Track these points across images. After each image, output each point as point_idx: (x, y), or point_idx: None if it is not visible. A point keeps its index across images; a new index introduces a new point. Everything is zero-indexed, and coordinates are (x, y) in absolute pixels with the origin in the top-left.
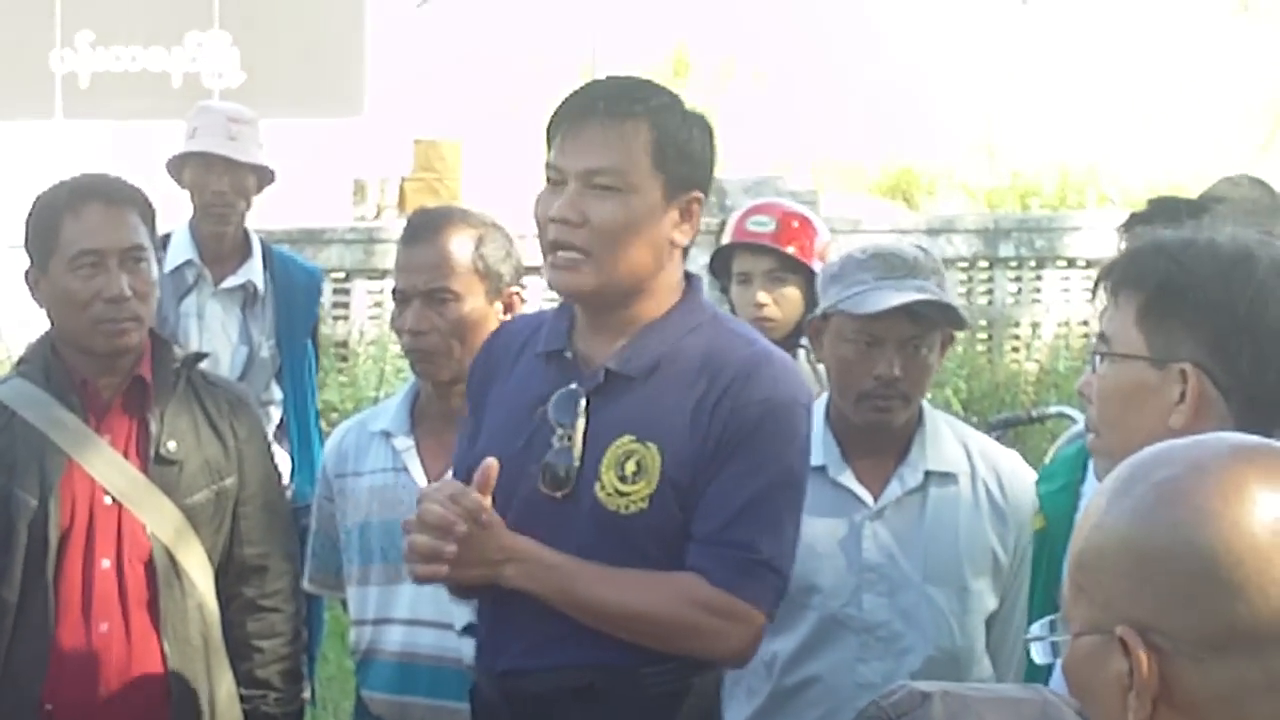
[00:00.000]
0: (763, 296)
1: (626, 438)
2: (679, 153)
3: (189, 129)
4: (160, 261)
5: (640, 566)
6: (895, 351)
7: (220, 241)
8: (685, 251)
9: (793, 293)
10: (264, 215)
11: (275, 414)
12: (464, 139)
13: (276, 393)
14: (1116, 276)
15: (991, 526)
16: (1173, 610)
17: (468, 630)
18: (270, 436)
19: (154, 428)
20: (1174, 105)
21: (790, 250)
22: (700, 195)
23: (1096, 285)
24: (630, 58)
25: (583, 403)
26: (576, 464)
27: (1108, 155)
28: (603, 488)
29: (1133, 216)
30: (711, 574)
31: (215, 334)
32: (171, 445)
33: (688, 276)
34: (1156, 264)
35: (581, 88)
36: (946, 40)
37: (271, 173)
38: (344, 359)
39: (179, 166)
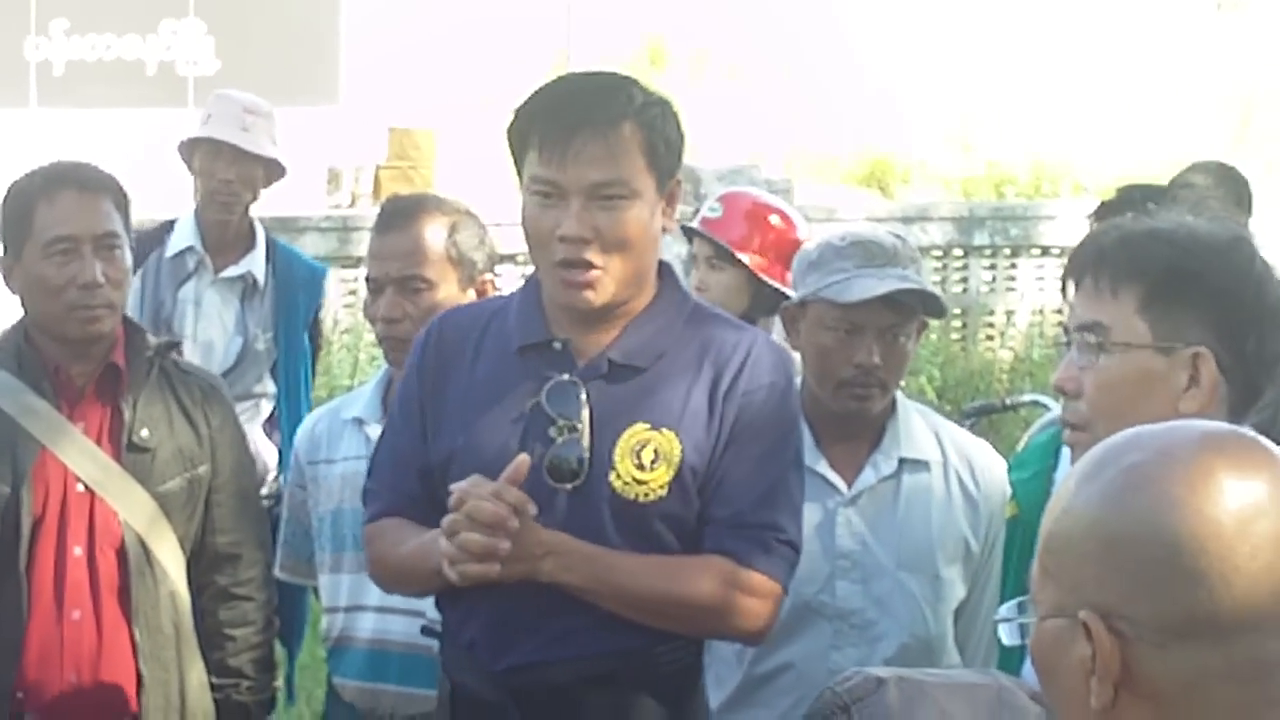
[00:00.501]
0: (700, 283)
1: (640, 425)
2: (665, 148)
3: (203, 115)
4: (163, 246)
5: (656, 553)
6: (875, 339)
7: (224, 230)
8: None
9: (732, 282)
10: None
11: (267, 407)
12: (438, 127)
13: (271, 385)
14: (1111, 266)
15: (964, 515)
16: (1136, 596)
17: (428, 632)
18: (261, 428)
19: (127, 415)
20: (1148, 95)
21: (734, 244)
22: (680, 179)
23: (1072, 276)
24: (605, 48)
25: (583, 394)
26: (587, 455)
27: (1082, 144)
28: (618, 476)
29: (1103, 205)
30: (739, 554)
31: (212, 322)
32: (144, 433)
33: (659, 263)
34: (1157, 250)
35: (551, 91)
36: (921, 29)
37: (281, 167)
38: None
39: (190, 151)
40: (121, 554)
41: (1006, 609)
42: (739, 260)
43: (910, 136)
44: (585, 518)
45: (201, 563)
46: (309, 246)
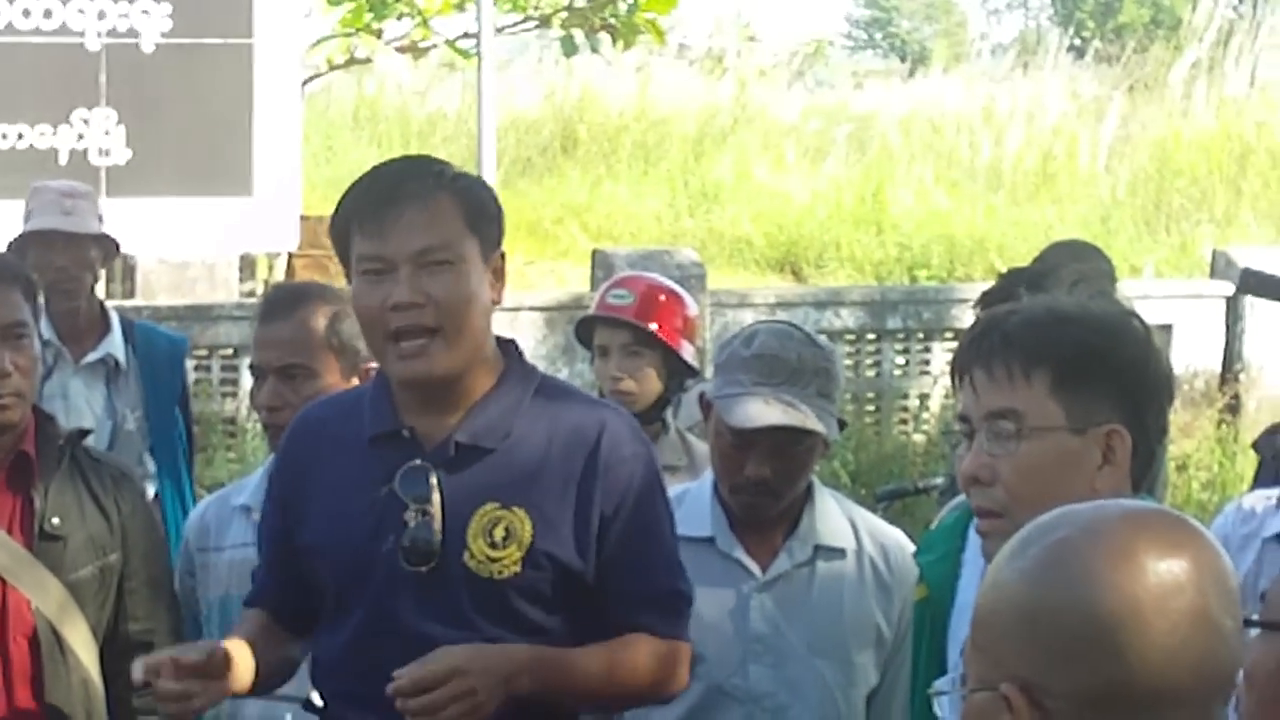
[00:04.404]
0: (619, 371)
1: (490, 505)
2: (485, 215)
3: (25, 212)
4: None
5: (514, 627)
6: (766, 454)
7: (75, 318)
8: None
9: (650, 367)
10: (151, 292)
11: (149, 488)
12: None
13: (151, 465)
14: (1020, 351)
15: (876, 602)
16: (1055, 668)
17: (309, 707)
18: None
19: (38, 504)
20: (1060, 177)
21: (652, 327)
22: (504, 252)
23: (973, 364)
24: (518, 128)
25: (434, 477)
26: (439, 536)
27: (995, 226)
28: (472, 556)
29: (986, 293)
30: (658, 628)
31: (80, 411)
32: (55, 521)
33: (504, 344)
34: (1065, 332)
35: (365, 180)
36: (834, 111)
37: (115, 243)
38: (232, 435)
39: (21, 250)
40: (34, 642)
41: (942, 682)
42: (656, 344)
43: (823, 220)
44: (443, 598)
45: (114, 650)
46: (223, 335)
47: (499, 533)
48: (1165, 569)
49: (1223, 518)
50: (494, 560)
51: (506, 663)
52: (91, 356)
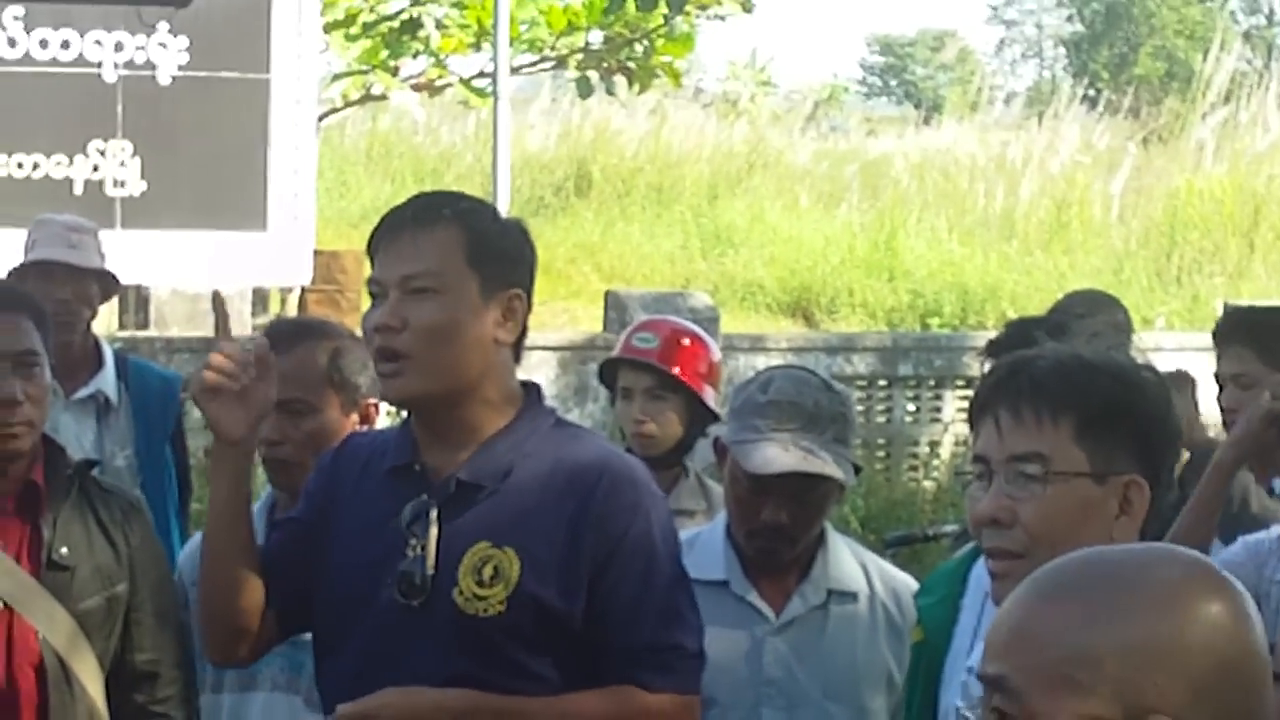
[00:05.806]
0: (642, 414)
1: (483, 544)
2: (492, 251)
3: (28, 242)
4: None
5: (500, 667)
6: (783, 499)
7: (68, 351)
8: (517, 355)
9: (673, 411)
10: (164, 324)
11: None
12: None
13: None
14: (1050, 396)
15: (889, 646)
16: (1202, 701)
17: None
18: None
19: (46, 533)
20: (1073, 227)
21: (675, 370)
22: (521, 293)
23: (997, 407)
24: (532, 168)
25: (434, 513)
26: (431, 572)
27: (1008, 275)
28: (461, 593)
29: (993, 342)
30: (651, 682)
31: (69, 446)
32: (64, 551)
33: (526, 385)
34: (1096, 381)
35: (394, 207)
36: (848, 156)
37: (115, 279)
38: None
39: (20, 280)
40: (40, 671)
41: (969, 713)
42: (679, 388)
43: (836, 266)
44: (431, 634)
45: (120, 681)
46: None
47: (487, 571)
48: (1214, 611)
49: (1233, 557)
50: (480, 598)
51: (435, 708)
52: (82, 392)
